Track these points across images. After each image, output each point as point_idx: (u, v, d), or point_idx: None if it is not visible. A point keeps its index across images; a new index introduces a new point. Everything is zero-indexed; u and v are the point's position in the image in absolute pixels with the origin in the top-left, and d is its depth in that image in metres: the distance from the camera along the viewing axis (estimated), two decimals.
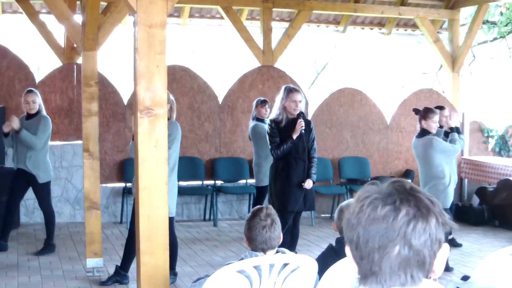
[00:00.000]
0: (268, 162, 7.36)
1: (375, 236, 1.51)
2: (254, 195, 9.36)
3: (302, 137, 6.62)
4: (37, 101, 7.61)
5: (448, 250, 1.59)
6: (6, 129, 7.51)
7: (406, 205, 1.52)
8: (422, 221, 1.51)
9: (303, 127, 6.59)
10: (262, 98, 8.96)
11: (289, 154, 6.66)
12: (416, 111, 7.23)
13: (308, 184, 6.67)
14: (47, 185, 7.73)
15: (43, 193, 7.72)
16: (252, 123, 8.83)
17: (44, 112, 7.70)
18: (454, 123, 7.51)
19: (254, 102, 8.95)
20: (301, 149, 6.67)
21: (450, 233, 7.69)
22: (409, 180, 1.66)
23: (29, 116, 7.62)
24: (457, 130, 7.36)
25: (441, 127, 7.53)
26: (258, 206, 3.80)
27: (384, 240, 1.50)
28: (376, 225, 1.51)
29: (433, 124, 6.99)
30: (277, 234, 3.66)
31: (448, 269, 7.10)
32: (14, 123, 7.42)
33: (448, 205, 7.16)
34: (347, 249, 1.61)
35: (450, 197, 7.12)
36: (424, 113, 7.04)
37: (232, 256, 7.57)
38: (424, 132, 7.03)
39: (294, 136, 6.58)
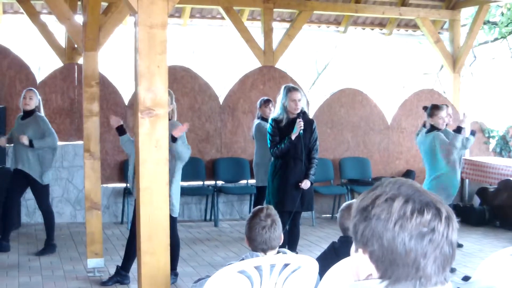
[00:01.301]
0: (269, 162, 7.35)
1: (422, 242, 1.50)
2: (254, 195, 9.36)
3: (301, 137, 6.63)
4: (34, 99, 7.61)
5: None
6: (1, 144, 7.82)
7: (441, 206, 1.54)
8: (454, 219, 1.54)
9: (302, 127, 6.59)
10: (265, 98, 8.94)
11: (288, 154, 6.66)
12: (425, 108, 7.50)
13: (305, 184, 6.67)
14: (46, 186, 7.74)
15: (42, 193, 7.73)
16: (256, 121, 8.82)
17: (39, 113, 7.69)
18: (462, 123, 7.45)
19: (258, 102, 8.93)
20: (300, 149, 6.67)
21: None
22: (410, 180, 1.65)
23: (25, 115, 7.63)
24: (459, 130, 7.38)
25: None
26: (258, 207, 3.79)
27: (431, 244, 1.51)
28: (422, 231, 1.50)
29: (439, 121, 7.20)
30: (277, 234, 3.65)
31: (450, 270, 7.12)
32: (24, 140, 7.41)
33: (450, 201, 7.26)
34: (365, 256, 1.57)
35: (451, 193, 7.21)
36: (431, 110, 7.26)
37: (233, 256, 7.58)
38: (432, 129, 7.20)
39: (293, 137, 6.59)
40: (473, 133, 7.90)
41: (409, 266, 1.51)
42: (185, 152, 6.25)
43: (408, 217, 1.51)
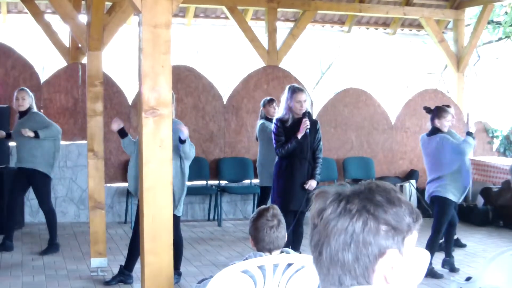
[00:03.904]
0: (273, 162, 7.34)
1: (313, 235, 1.45)
2: (258, 195, 9.35)
3: (307, 137, 6.62)
4: (27, 99, 7.64)
5: (414, 260, 1.42)
6: None
7: (336, 203, 1.40)
8: (345, 220, 1.38)
9: (308, 127, 6.59)
10: (269, 97, 8.90)
11: (293, 154, 6.66)
12: (428, 110, 7.26)
13: (311, 184, 6.66)
14: (46, 181, 7.70)
15: (43, 190, 7.69)
16: (260, 121, 8.78)
17: (33, 109, 7.72)
18: (469, 127, 7.46)
19: (262, 102, 8.89)
20: (306, 149, 6.66)
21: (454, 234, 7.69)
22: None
23: (21, 115, 7.67)
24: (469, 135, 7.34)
25: None
26: (263, 206, 3.79)
27: (317, 236, 1.43)
28: (314, 222, 1.45)
29: (446, 123, 7.06)
30: (283, 234, 3.67)
31: (453, 270, 7.13)
32: (28, 133, 7.44)
33: (456, 202, 7.17)
34: None
35: (456, 195, 7.09)
36: (438, 112, 7.08)
37: (237, 256, 7.58)
38: (435, 131, 7.06)
39: (299, 136, 6.58)
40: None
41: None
42: (191, 151, 6.29)
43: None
